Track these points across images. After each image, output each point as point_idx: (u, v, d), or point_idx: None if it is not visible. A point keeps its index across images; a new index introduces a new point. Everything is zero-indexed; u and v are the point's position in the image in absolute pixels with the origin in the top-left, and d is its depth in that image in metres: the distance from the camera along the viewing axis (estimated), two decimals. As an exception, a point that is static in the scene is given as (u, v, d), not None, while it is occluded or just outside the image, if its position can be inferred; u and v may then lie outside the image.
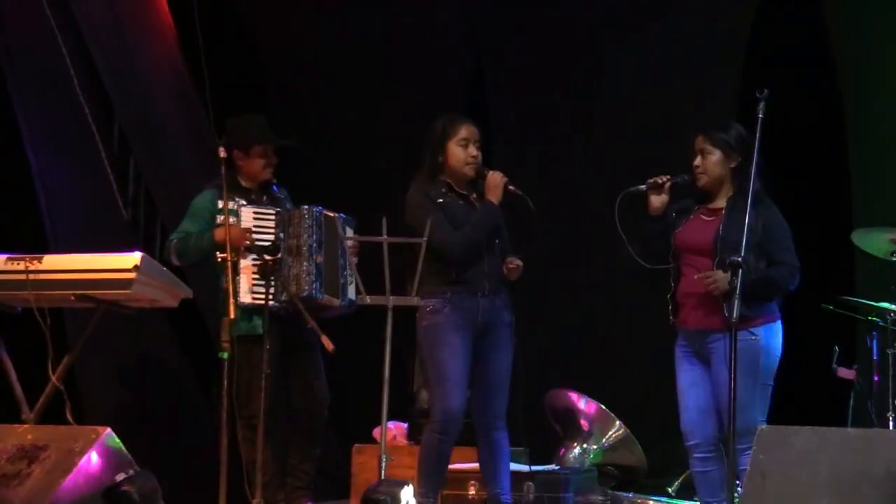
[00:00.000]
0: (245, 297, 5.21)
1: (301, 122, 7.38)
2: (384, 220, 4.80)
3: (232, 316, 4.95)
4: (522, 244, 5.14)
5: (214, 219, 5.33)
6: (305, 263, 5.17)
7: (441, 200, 5.06)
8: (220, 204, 5.23)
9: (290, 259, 5.16)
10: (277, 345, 5.15)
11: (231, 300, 4.96)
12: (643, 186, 4.87)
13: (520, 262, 5.07)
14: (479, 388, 5.05)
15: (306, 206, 5.26)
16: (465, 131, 5.12)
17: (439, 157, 5.10)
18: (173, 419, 6.87)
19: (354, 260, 5.24)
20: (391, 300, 4.83)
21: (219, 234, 5.23)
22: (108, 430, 4.72)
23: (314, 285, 5.15)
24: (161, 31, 7.33)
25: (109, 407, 6.58)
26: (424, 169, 5.13)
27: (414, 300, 4.88)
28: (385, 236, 4.83)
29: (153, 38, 7.28)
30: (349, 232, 5.36)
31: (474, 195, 5.14)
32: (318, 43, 7.72)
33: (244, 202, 5.30)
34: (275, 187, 5.56)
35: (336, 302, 5.28)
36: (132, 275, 5.17)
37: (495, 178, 5.10)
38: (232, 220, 5.20)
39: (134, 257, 5.23)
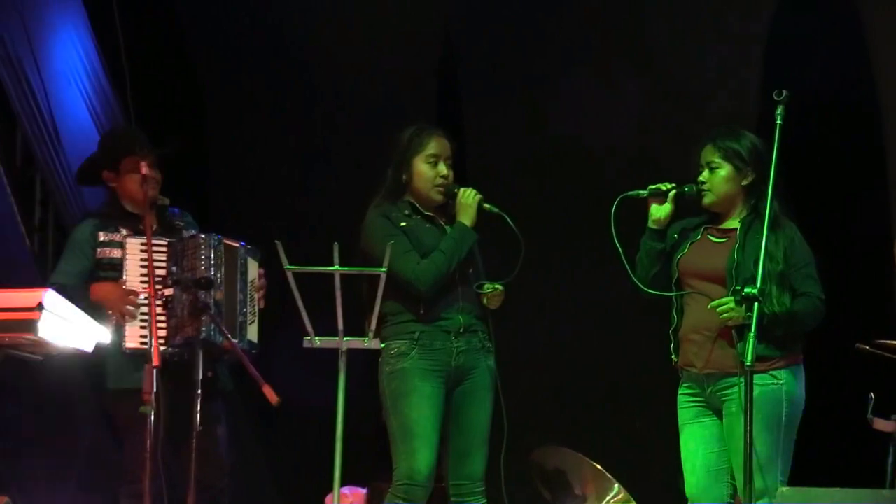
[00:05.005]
0: (132, 342, 5.13)
1: (239, 131, 7.37)
2: (336, 247, 4.73)
3: (156, 362, 4.88)
4: (502, 273, 5.12)
5: (95, 254, 5.28)
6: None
7: (404, 223, 5.05)
8: (102, 236, 5.21)
9: (182, 296, 5.09)
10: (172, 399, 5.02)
11: (154, 341, 4.89)
12: (644, 192, 4.93)
13: (499, 287, 5.07)
14: (454, 445, 5.04)
15: (203, 235, 5.17)
16: (434, 146, 5.11)
17: (403, 175, 5.10)
18: (86, 485, 6.81)
19: (256, 296, 5.21)
20: (344, 343, 4.80)
21: (95, 291, 5.18)
22: (6, 499, 4.68)
23: (210, 326, 5.06)
24: (73, 26, 7.32)
25: (5, 473, 6.52)
26: (385, 187, 5.13)
27: (370, 342, 4.84)
28: (337, 266, 4.76)
29: (64, 34, 7.27)
30: (254, 265, 5.29)
31: (444, 219, 5.13)
32: (261, 38, 7.72)
33: (127, 233, 5.22)
34: (174, 210, 5.48)
35: (235, 344, 5.19)
36: (36, 315, 5.12)
37: (468, 196, 5.09)
38: (118, 252, 5.15)
39: (38, 294, 5.19)
